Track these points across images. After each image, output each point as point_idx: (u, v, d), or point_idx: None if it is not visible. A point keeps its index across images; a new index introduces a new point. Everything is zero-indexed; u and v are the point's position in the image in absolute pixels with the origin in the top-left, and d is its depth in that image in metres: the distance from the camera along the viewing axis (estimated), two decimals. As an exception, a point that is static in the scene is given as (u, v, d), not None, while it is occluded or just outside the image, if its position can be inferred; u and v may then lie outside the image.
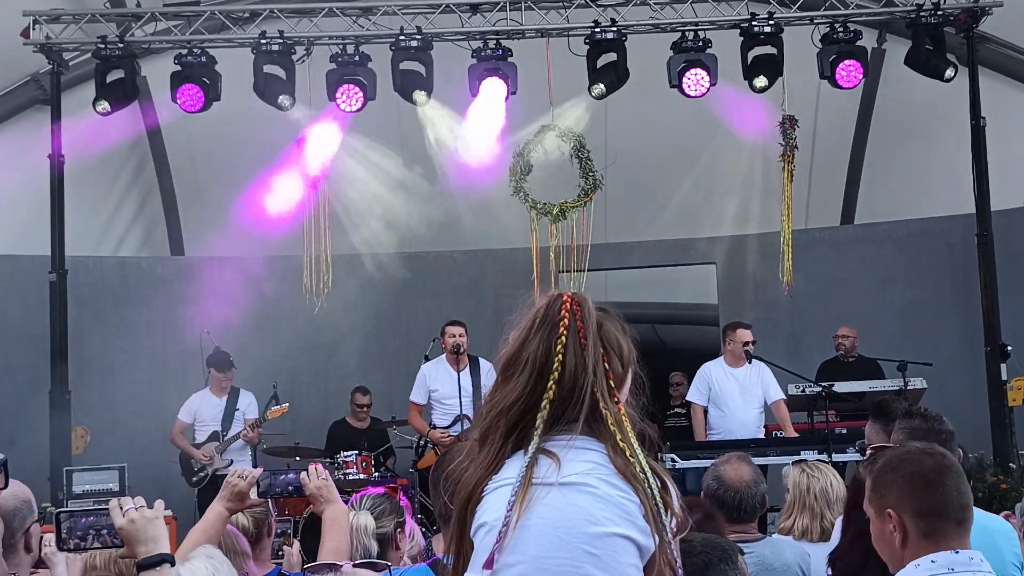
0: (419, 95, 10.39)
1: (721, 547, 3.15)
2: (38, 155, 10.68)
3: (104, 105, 10.48)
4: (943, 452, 2.77)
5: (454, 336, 9.71)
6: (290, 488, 3.78)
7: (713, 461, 4.74)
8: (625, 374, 2.34)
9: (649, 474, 2.21)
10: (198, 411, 10.65)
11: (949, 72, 10.27)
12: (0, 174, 11.30)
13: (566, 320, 2.29)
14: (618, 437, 2.23)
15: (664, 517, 2.19)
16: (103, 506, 2.91)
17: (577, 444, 2.23)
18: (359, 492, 4.13)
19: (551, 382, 2.25)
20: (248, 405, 10.66)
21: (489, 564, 2.18)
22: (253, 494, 3.78)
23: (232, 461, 10.09)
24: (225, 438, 10.46)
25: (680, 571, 2.23)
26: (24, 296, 11.65)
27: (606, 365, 2.28)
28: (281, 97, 10.44)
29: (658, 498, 2.19)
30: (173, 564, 2.82)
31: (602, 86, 10.35)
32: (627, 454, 2.22)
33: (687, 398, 10.04)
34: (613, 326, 2.35)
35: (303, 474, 3.80)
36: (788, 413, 9.68)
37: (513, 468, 2.24)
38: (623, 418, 2.27)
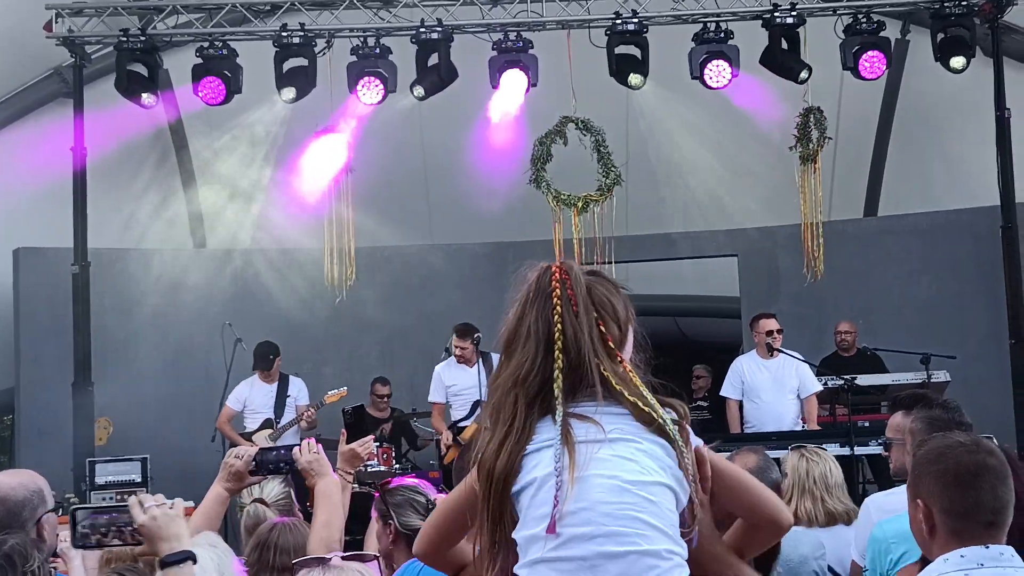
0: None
1: None
2: (61, 148, 10.73)
3: (151, 98, 10.55)
4: (990, 449, 2.68)
5: (459, 348, 9.75)
6: (282, 464, 3.81)
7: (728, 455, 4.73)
8: (624, 335, 2.37)
9: (668, 420, 2.27)
10: (248, 399, 10.54)
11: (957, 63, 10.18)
12: (23, 167, 11.36)
13: (558, 290, 2.32)
14: (626, 393, 2.27)
15: (687, 460, 2.27)
16: (122, 503, 2.91)
17: (604, 409, 2.27)
18: (394, 481, 4.10)
19: (557, 352, 2.28)
20: (299, 391, 10.61)
21: (552, 528, 2.20)
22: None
23: None
24: (279, 425, 10.45)
25: (700, 509, 2.31)
26: (47, 288, 11.70)
27: (602, 328, 2.31)
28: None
29: (680, 441, 2.27)
30: (196, 562, 2.82)
31: (641, 76, 10.34)
32: (640, 405, 2.26)
33: (721, 393, 9.97)
34: (604, 288, 2.38)
35: (295, 449, 3.81)
36: (817, 407, 9.63)
37: (548, 431, 2.27)
38: (629, 374, 2.30)
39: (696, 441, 2.36)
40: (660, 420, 2.26)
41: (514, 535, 2.27)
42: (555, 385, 2.27)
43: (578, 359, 2.28)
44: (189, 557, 2.79)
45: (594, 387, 2.27)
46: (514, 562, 2.28)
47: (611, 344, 2.31)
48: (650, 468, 2.24)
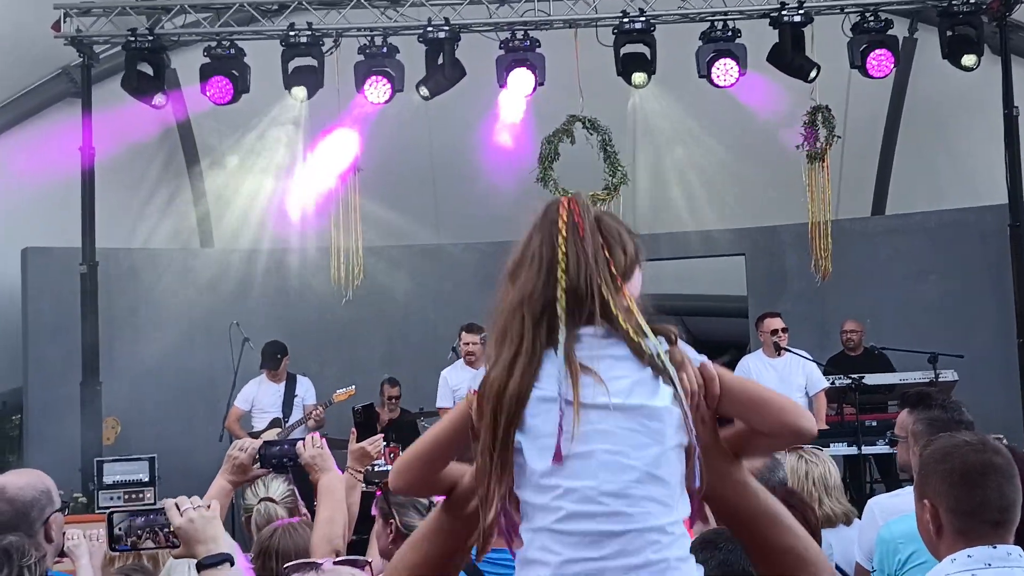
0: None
1: None
2: (69, 148, 10.75)
3: (162, 98, 10.60)
4: (996, 449, 2.67)
5: (468, 345, 9.69)
6: (285, 459, 3.80)
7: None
8: (631, 267, 2.37)
9: (661, 352, 2.24)
10: (256, 398, 10.55)
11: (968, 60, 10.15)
12: (31, 167, 11.38)
13: (564, 217, 2.35)
14: (620, 319, 2.26)
15: (680, 386, 2.23)
16: (158, 505, 2.90)
17: (604, 349, 2.25)
18: None
19: (560, 273, 2.30)
20: (306, 391, 10.62)
21: (558, 457, 2.20)
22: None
23: None
24: (287, 424, 10.42)
25: (697, 445, 2.26)
26: (55, 288, 11.72)
27: (607, 254, 2.33)
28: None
29: (672, 371, 2.23)
30: (233, 564, 2.81)
31: (644, 75, 10.33)
32: (631, 334, 2.25)
33: None
34: (613, 220, 2.41)
35: (299, 444, 3.81)
36: (825, 405, 9.61)
37: (552, 378, 2.25)
38: (628, 301, 2.30)
39: (698, 359, 2.31)
40: (649, 352, 2.24)
41: (516, 491, 2.27)
42: (558, 305, 2.28)
43: (578, 281, 2.29)
44: (227, 559, 2.77)
45: (593, 312, 2.28)
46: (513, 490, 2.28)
47: (614, 270, 2.32)
48: (657, 434, 2.21)
